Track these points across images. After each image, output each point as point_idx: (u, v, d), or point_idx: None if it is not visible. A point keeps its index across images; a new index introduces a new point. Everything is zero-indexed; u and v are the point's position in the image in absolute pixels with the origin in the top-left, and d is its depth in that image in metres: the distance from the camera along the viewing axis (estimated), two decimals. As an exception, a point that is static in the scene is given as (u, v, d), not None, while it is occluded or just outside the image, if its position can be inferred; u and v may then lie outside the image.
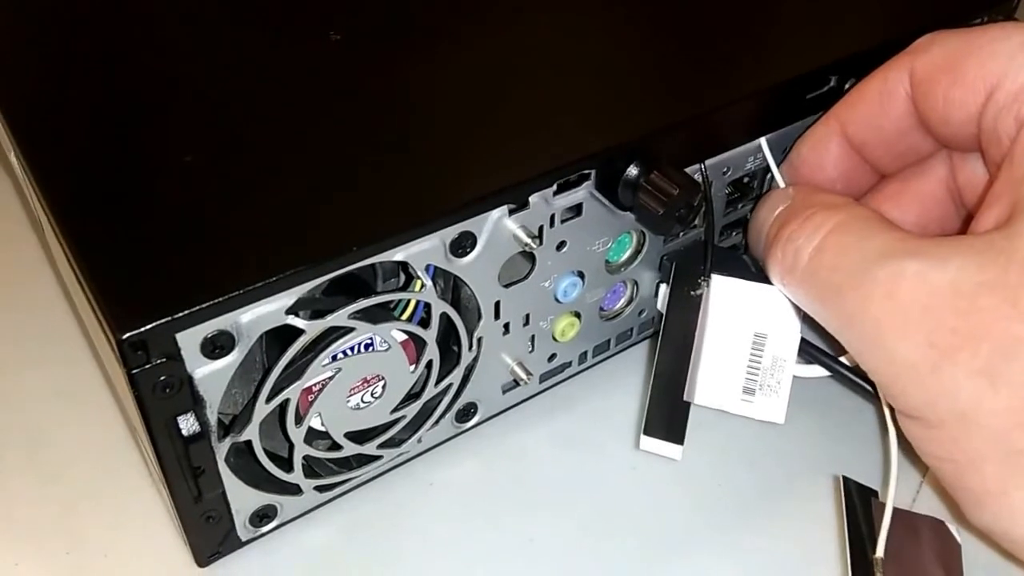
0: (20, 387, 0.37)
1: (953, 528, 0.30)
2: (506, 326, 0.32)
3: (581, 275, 0.33)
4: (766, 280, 0.31)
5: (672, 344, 0.32)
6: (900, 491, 0.33)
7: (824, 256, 0.28)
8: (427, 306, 0.29)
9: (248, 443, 0.28)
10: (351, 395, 0.29)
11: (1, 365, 0.37)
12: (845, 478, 0.31)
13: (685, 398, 0.31)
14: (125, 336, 0.23)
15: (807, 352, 0.32)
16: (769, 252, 0.30)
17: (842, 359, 0.33)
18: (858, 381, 0.32)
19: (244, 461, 0.29)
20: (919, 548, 0.29)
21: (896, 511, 0.29)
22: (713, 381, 0.31)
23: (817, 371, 0.33)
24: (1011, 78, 0.27)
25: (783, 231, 0.30)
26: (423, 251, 0.28)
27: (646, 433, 0.31)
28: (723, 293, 0.32)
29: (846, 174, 0.33)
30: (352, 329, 0.27)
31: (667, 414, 0.31)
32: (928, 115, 0.30)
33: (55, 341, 0.38)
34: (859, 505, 0.30)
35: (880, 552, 0.28)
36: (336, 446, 0.30)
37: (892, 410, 0.32)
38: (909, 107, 0.31)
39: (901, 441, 0.28)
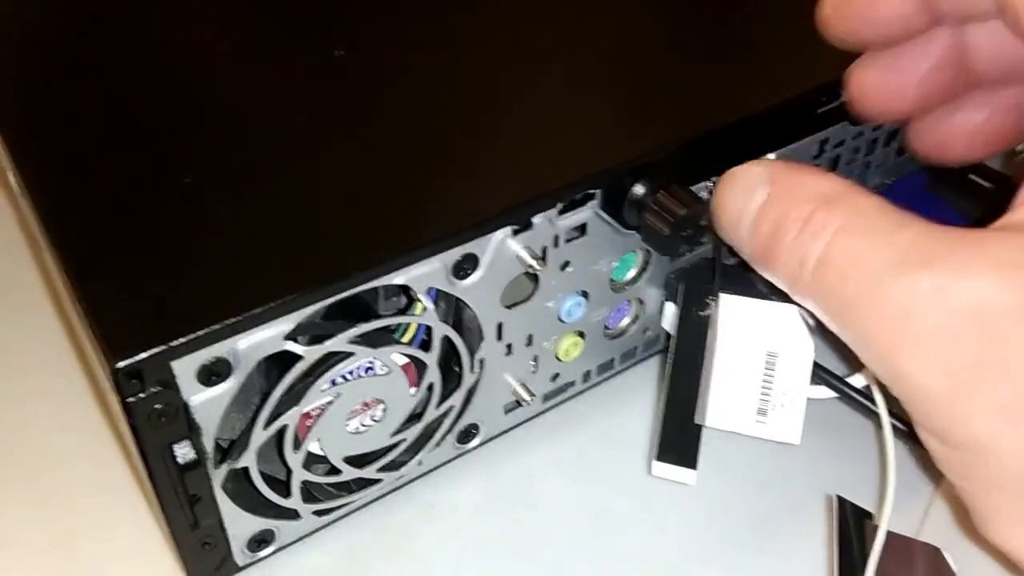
0: (15, 410, 0.36)
1: (949, 557, 0.29)
2: (509, 347, 0.32)
3: (585, 295, 0.32)
4: (776, 298, 0.31)
5: (682, 366, 0.31)
6: (905, 517, 0.32)
7: (831, 267, 0.25)
8: (428, 328, 0.29)
9: (246, 469, 0.27)
10: (350, 419, 0.29)
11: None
12: (840, 498, 0.30)
13: (697, 421, 0.31)
14: (120, 365, 0.23)
15: (814, 373, 0.32)
16: (767, 260, 0.27)
17: (850, 379, 0.32)
18: (865, 403, 0.32)
19: (241, 486, 0.28)
20: (912, 575, 0.29)
21: (892, 536, 0.29)
22: (725, 403, 0.31)
23: (824, 392, 0.33)
24: None
25: (782, 237, 0.26)
26: (424, 274, 0.27)
27: (658, 459, 0.30)
28: (732, 312, 0.32)
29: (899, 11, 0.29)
30: (352, 354, 0.27)
31: (679, 438, 0.30)
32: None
33: (51, 362, 0.38)
34: (853, 526, 0.30)
35: (870, 574, 0.28)
36: (335, 470, 0.30)
37: (901, 430, 0.31)
38: None
39: (924, 459, 0.28)
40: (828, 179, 0.26)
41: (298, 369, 0.26)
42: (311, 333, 0.26)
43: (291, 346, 0.25)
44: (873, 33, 0.29)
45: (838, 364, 0.33)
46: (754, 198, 0.27)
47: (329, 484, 0.31)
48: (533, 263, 0.29)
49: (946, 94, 0.30)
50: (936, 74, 0.29)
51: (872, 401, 0.31)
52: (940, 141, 0.31)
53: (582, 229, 0.30)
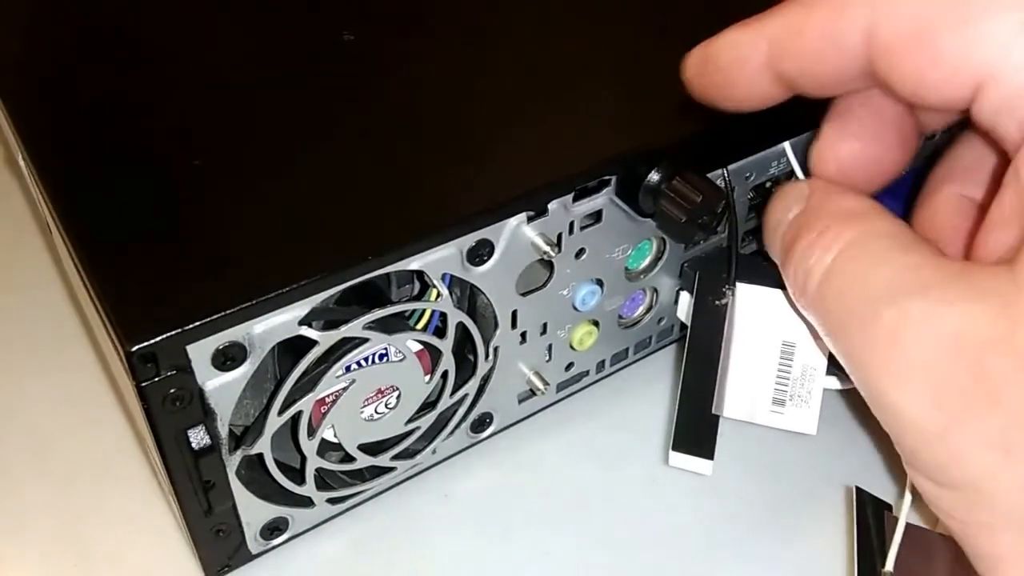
0: (27, 394, 0.36)
1: None
2: (523, 335, 0.31)
3: (600, 283, 0.32)
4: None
5: (698, 356, 0.31)
6: (923, 508, 0.32)
7: (833, 283, 0.24)
8: (443, 315, 0.28)
9: (260, 456, 0.27)
10: (365, 406, 0.29)
11: (7, 371, 0.37)
12: (859, 489, 0.30)
13: (714, 411, 0.30)
14: (135, 348, 0.23)
15: (831, 363, 0.31)
16: (783, 267, 0.27)
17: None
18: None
19: (255, 473, 0.28)
20: (932, 566, 0.28)
21: (911, 527, 0.28)
22: (742, 393, 0.31)
23: (841, 382, 0.32)
24: (1008, 77, 0.22)
25: (796, 244, 0.26)
26: (439, 260, 0.27)
27: (675, 449, 0.30)
28: (749, 301, 0.32)
29: (759, 93, 0.27)
30: (366, 340, 0.27)
31: (696, 428, 0.30)
32: (896, 87, 0.24)
33: (62, 347, 0.38)
34: (872, 518, 0.29)
35: (889, 566, 0.27)
36: (349, 458, 0.30)
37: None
38: (864, 65, 0.24)
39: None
40: (855, 199, 0.26)
41: (313, 354, 0.26)
42: (326, 319, 0.26)
43: (306, 331, 0.25)
44: (733, 106, 0.28)
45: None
46: (792, 210, 0.27)
47: (343, 472, 0.30)
48: (548, 250, 0.28)
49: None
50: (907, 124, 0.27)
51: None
52: None
53: (597, 216, 0.30)
